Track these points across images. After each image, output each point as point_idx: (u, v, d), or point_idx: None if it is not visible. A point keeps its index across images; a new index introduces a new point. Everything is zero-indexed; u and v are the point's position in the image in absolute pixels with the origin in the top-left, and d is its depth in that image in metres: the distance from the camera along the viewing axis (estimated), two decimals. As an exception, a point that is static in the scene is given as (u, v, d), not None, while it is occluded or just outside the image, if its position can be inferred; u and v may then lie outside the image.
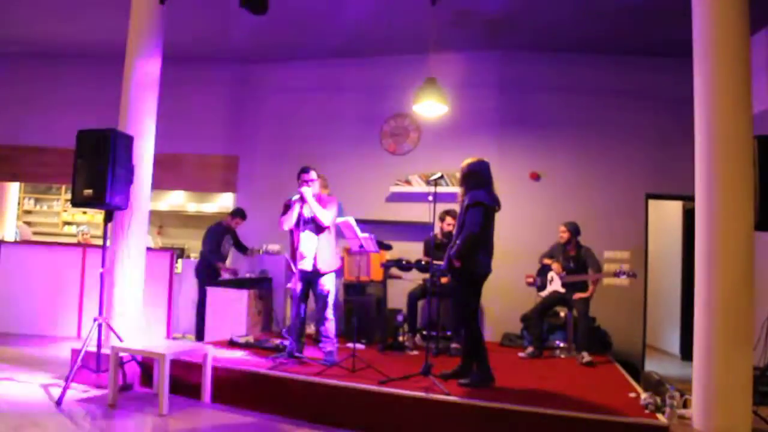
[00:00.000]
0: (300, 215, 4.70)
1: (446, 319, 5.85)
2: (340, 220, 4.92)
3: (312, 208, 4.64)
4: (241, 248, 6.89)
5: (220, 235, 6.68)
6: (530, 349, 5.56)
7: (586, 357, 5.24)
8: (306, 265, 4.69)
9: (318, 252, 4.68)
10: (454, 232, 4.34)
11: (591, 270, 5.54)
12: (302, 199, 4.65)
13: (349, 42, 6.94)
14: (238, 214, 6.81)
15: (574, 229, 5.62)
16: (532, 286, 5.92)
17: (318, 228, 4.68)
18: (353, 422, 3.82)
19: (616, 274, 5.42)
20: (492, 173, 4.35)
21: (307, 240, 4.70)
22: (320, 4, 6.01)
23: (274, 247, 6.86)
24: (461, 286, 4.21)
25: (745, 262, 3.27)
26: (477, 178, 4.27)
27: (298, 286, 4.81)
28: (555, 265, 5.66)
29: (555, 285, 5.65)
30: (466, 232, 4.07)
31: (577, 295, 5.46)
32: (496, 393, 3.86)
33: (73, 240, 8.80)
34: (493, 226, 4.27)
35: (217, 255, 6.64)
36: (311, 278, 4.73)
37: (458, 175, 6.68)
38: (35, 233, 9.64)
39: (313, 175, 4.75)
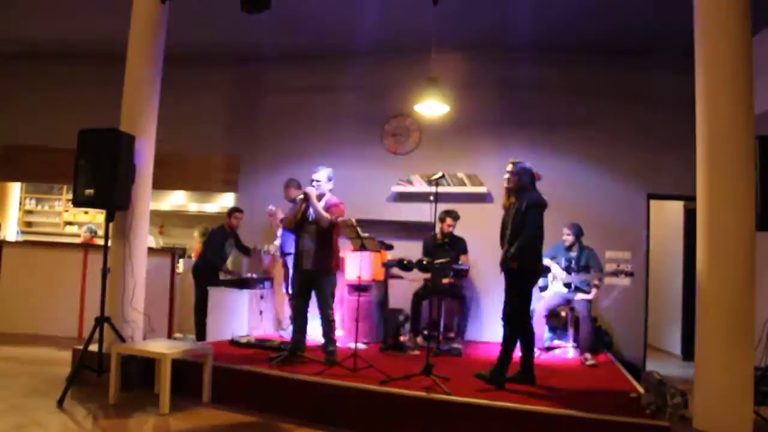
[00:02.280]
0: (303, 215, 4.72)
1: (448, 319, 5.85)
2: (341, 220, 4.92)
3: (312, 208, 4.64)
4: (244, 249, 6.90)
5: (223, 239, 6.68)
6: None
7: (590, 359, 5.24)
8: (307, 264, 4.70)
9: (319, 252, 4.67)
10: (507, 233, 4.24)
11: (593, 271, 5.53)
12: (306, 199, 4.66)
13: (350, 42, 6.94)
14: (235, 210, 6.81)
15: (577, 232, 5.61)
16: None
17: (320, 229, 4.67)
18: (354, 422, 3.83)
19: (614, 273, 5.42)
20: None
21: (309, 240, 4.70)
22: (321, 3, 6.00)
23: (275, 246, 6.87)
24: (514, 287, 4.19)
25: (747, 262, 3.27)
26: (528, 178, 4.29)
27: (299, 286, 4.82)
28: (554, 267, 5.68)
29: (557, 285, 5.66)
30: (529, 233, 4.09)
31: (580, 296, 5.46)
32: (497, 393, 3.86)
33: (75, 240, 8.80)
34: (543, 227, 4.29)
35: (219, 259, 6.65)
36: (312, 278, 4.73)
37: (459, 175, 6.79)
38: (37, 233, 9.65)
39: (320, 175, 4.76)
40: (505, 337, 4.20)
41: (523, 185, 4.28)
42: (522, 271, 4.13)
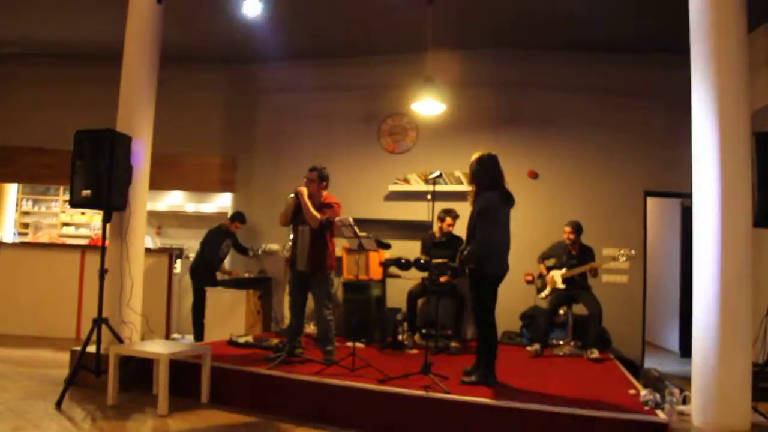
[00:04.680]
0: (296, 214, 4.71)
1: (445, 318, 5.85)
2: (338, 219, 4.91)
3: (303, 208, 4.63)
4: (242, 250, 6.89)
5: (220, 238, 6.67)
6: (537, 347, 5.53)
7: (595, 353, 5.26)
8: (301, 265, 4.69)
9: (313, 252, 4.66)
10: (466, 233, 4.28)
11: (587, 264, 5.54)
12: (297, 198, 4.66)
13: (348, 41, 6.93)
14: (238, 218, 6.79)
15: (578, 229, 5.60)
16: (531, 284, 5.93)
17: (314, 228, 4.65)
18: (353, 421, 3.83)
19: (615, 258, 5.41)
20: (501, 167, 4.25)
21: (303, 239, 4.70)
22: (319, 3, 5.99)
23: (273, 246, 6.86)
24: (475, 287, 4.20)
25: (744, 259, 3.27)
26: (486, 175, 4.19)
27: (294, 286, 4.81)
28: (548, 278, 5.69)
29: (556, 283, 5.65)
30: (479, 242, 4.07)
31: (583, 292, 5.46)
32: (496, 391, 3.86)
33: (72, 241, 8.77)
34: (507, 224, 4.24)
35: (217, 259, 6.64)
36: (308, 277, 4.72)
37: (457, 173, 6.78)
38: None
39: (313, 174, 4.74)
40: (479, 337, 4.22)
41: (480, 182, 4.21)
42: (481, 272, 4.12)
